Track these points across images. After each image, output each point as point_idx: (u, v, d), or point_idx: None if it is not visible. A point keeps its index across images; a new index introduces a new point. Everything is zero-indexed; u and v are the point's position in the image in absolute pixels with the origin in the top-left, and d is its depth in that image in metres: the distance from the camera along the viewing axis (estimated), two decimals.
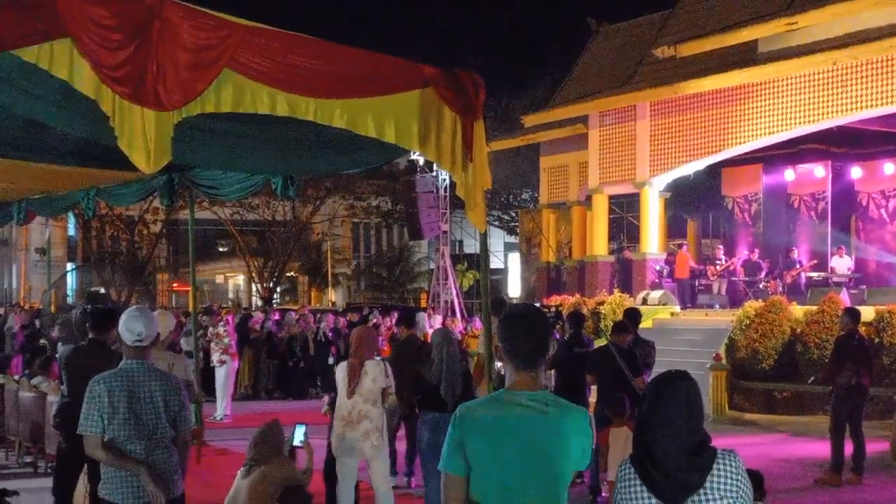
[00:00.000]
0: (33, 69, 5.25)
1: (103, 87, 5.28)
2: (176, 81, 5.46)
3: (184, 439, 5.85)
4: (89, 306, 13.51)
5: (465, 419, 3.92)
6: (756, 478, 6.19)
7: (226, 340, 17.40)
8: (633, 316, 11.70)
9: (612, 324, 12.04)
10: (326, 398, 9.48)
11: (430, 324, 23.35)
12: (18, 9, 5.05)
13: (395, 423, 11.06)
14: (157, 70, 5.37)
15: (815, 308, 18.55)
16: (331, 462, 8.94)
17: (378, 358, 8.85)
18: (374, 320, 22.81)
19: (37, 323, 23.44)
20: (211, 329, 17.84)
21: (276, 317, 24.42)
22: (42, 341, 20.73)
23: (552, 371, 11.55)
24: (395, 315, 22.07)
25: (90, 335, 7.73)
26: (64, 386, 7.98)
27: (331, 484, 9.03)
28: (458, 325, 24.42)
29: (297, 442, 7.16)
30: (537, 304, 11.52)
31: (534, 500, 3.88)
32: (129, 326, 5.70)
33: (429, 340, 11.82)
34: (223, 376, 17.23)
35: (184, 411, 5.77)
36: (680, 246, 25.69)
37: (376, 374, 8.42)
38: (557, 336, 12.17)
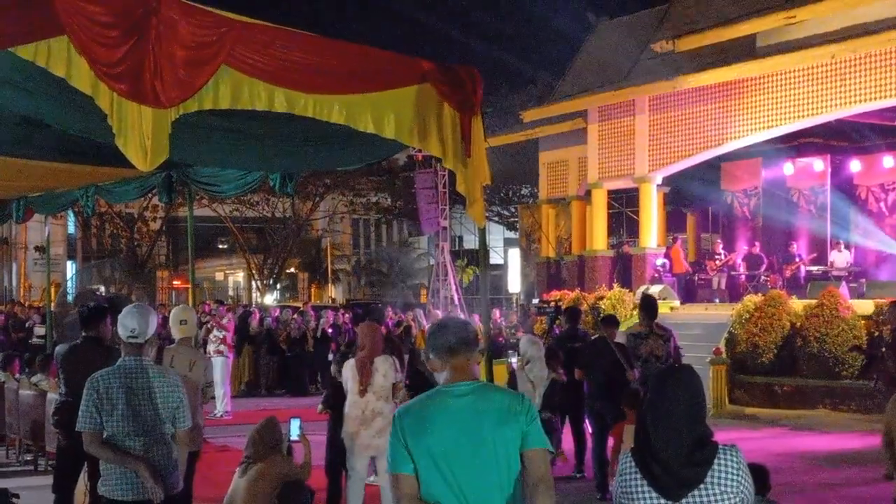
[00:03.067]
0: (31, 67, 5.25)
1: (101, 84, 5.27)
2: (173, 78, 5.46)
3: (183, 436, 5.84)
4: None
5: (404, 419, 4.02)
6: (760, 472, 6.18)
7: (222, 334, 17.36)
8: (647, 304, 10.93)
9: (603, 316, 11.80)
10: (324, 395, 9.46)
11: (426, 319, 23.35)
12: (16, 7, 5.04)
13: None
14: (155, 67, 5.36)
15: (814, 302, 18.53)
16: (332, 457, 8.92)
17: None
18: None
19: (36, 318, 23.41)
20: (216, 318, 17.77)
21: (276, 313, 24.41)
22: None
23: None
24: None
25: (83, 333, 7.76)
26: (62, 384, 7.99)
27: (333, 479, 9.00)
28: None
29: (293, 436, 7.13)
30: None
31: (485, 489, 3.93)
32: (124, 322, 5.71)
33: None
34: (219, 372, 17.09)
35: (182, 408, 5.76)
36: (675, 240, 25.63)
37: (387, 369, 8.37)
38: (557, 331, 12.18)
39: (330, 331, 22.37)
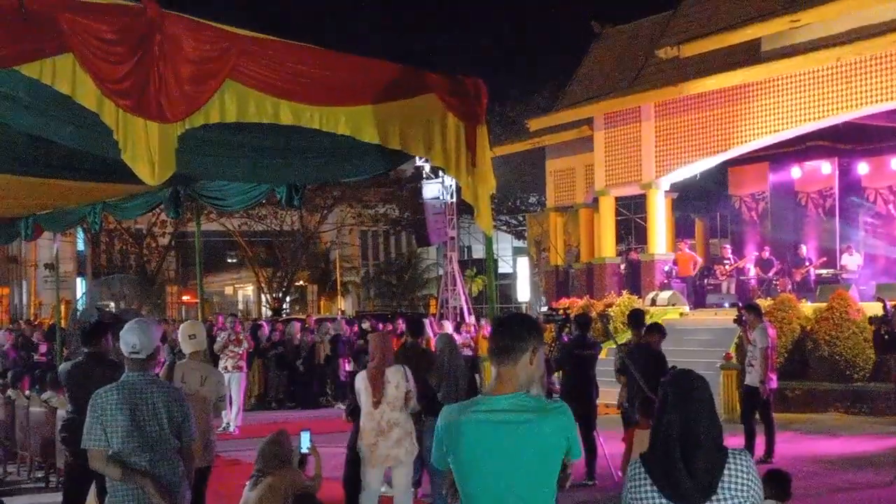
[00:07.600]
0: (36, 84, 5.26)
1: (106, 100, 5.29)
2: (178, 93, 5.47)
3: (188, 450, 5.83)
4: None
5: (442, 429, 4.00)
6: (783, 479, 6.16)
7: (240, 349, 17.18)
8: (634, 317, 12.00)
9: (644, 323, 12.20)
10: (344, 404, 9.43)
11: (434, 330, 23.34)
12: (22, 26, 5.06)
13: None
14: (160, 82, 5.38)
15: (824, 305, 18.50)
16: (351, 468, 8.87)
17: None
18: (381, 328, 22.79)
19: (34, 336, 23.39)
20: (230, 334, 17.48)
21: (282, 327, 24.29)
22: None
23: (557, 374, 11.73)
24: (400, 323, 21.96)
25: (84, 349, 7.79)
26: (68, 401, 8.02)
27: (351, 491, 8.95)
28: (471, 331, 24.32)
29: (304, 449, 7.12)
30: (540, 311, 11.84)
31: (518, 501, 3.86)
32: (125, 339, 5.70)
33: (432, 346, 11.79)
34: (236, 386, 16.92)
35: (187, 422, 5.76)
36: (682, 245, 25.54)
37: (398, 379, 8.35)
38: (566, 339, 12.18)
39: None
